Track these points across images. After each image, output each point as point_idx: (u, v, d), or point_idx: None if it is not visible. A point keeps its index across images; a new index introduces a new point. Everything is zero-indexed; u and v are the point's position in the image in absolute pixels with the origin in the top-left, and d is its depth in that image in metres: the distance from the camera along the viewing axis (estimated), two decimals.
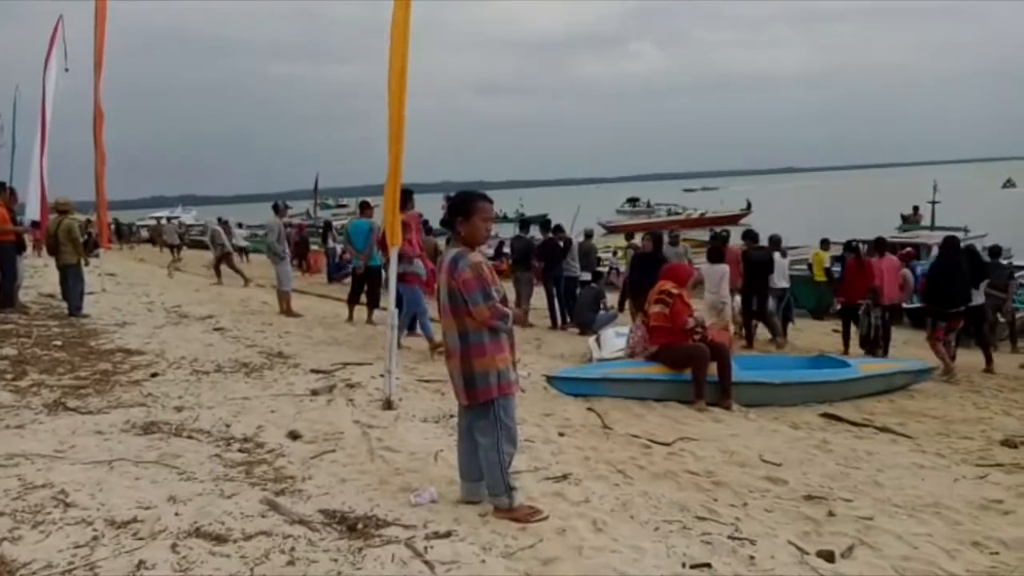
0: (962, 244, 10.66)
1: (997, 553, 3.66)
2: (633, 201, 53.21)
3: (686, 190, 59.18)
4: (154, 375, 6.31)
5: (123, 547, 3.05)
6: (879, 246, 10.88)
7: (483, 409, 3.67)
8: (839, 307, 11.17)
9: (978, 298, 9.51)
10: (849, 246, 11.67)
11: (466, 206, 3.69)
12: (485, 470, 3.69)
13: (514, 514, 3.60)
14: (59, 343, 7.63)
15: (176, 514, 3.40)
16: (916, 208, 21.92)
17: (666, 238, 11.81)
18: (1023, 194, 65.73)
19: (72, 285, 9.79)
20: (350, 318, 10.57)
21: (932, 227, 20.05)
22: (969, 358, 10.59)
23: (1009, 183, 72.26)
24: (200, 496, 3.64)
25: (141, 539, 3.13)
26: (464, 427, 3.83)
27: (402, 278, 8.59)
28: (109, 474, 3.90)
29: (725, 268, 9.98)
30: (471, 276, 3.58)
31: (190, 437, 4.63)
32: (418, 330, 8.40)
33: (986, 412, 7.25)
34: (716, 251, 10.39)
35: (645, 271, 8.46)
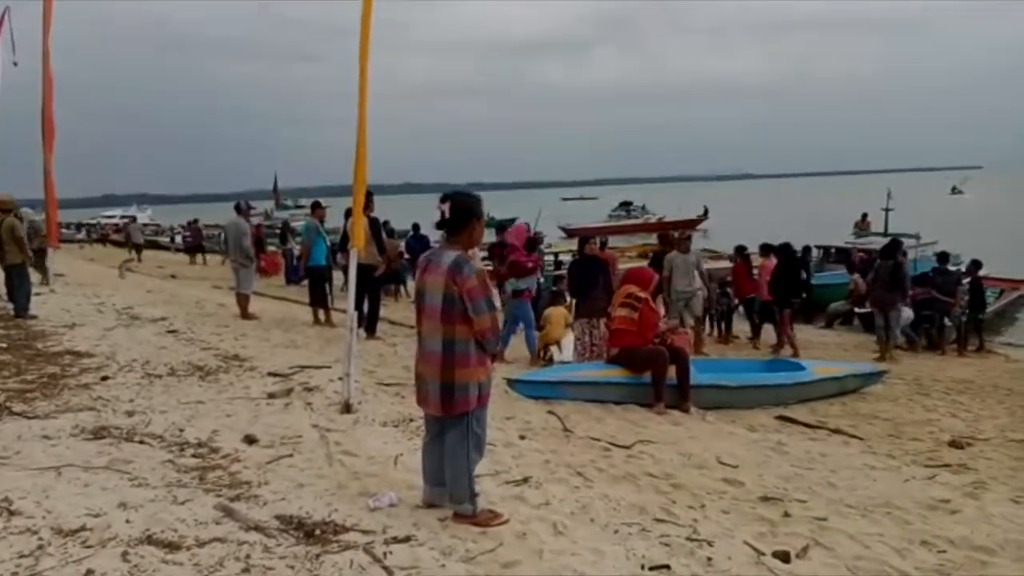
0: (906, 250, 12.49)
1: (945, 551, 3.76)
2: (626, 205, 52.97)
3: (564, 199, 58.56)
4: (104, 378, 6.15)
5: (71, 556, 2.96)
6: (763, 250, 11.78)
7: (457, 419, 3.56)
8: (737, 303, 12.29)
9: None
10: (738, 250, 12.63)
11: (478, 208, 3.61)
12: (450, 478, 3.61)
13: (476, 519, 3.56)
14: (4, 345, 7.40)
15: (127, 521, 3.31)
16: (865, 215, 22.46)
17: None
18: (969, 200, 68.58)
19: (18, 285, 9.51)
20: (317, 320, 10.47)
21: (885, 233, 20.55)
22: (919, 364, 10.91)
23: (956, 190, 76.63)
24: (152, 502, 3.55)
25: (90, 547, 3.04)
26: (431, 434, 3.74)
27: (519, 294, 8.79)
28: (56, 481, 3.78)
29: (694, 257, 10.37)
30: (477, 284, 3.48)
31: (142, 442, 4.51)
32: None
33: (934, 414, 7.45)
34: (688, 239, 10.98)
35: (583, 276, 8.52)
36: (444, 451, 3.63)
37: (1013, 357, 11.84)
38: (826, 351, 11.35)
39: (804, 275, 11.17)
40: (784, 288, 10.66)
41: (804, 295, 11.04)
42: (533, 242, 10.98)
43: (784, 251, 11.10)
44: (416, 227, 17.85)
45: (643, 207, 51.25)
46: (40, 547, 3.02)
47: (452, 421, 3.58)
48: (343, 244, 9.93)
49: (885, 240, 17.12)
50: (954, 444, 6.21)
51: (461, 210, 3.58)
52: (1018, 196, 65.56)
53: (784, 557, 3.47)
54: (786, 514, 4.12)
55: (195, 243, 28.44)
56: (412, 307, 3.89)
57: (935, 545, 3.82)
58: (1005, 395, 8.57)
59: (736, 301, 12.32)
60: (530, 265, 9.24)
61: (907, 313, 11.11)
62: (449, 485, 3.62)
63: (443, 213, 3.57)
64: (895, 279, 10.55)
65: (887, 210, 22.13)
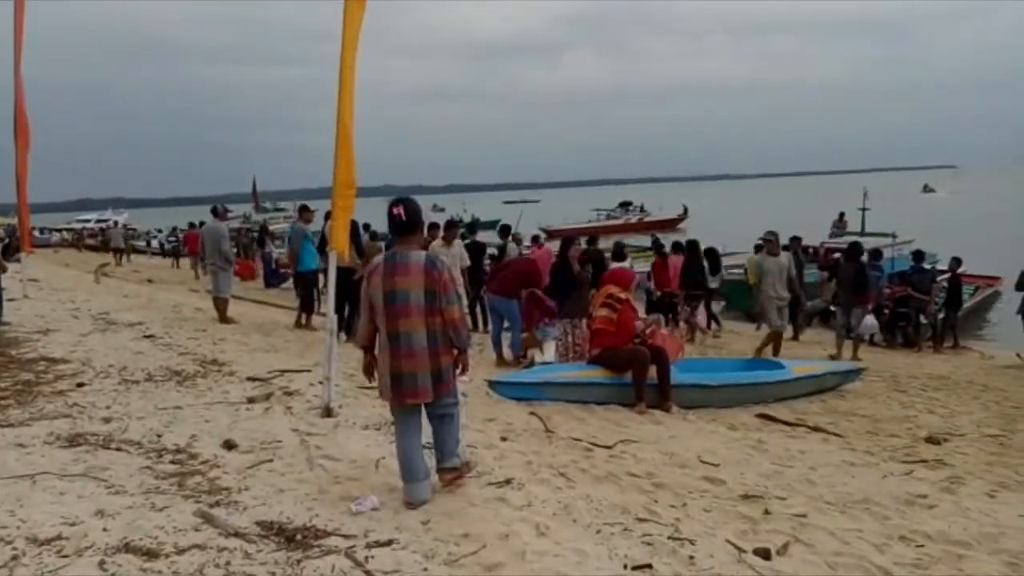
0: (881, 249, 13.45)
1: (922, 546, 3.80)
2: (625, 205, 53.23)
3: (506, 202, 58.60)
4: (80, 385, 6.06)
5: (46, 566, 2.91)
6: (674, 247, 12.73)
7: (446, 393, 3.89)
8: (658, 295, 12.74)
9: (713, 283, 13.02)
10: (656, 248, 13.49)
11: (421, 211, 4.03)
12: (446, 438, 3.93)
13: (460, 473, 3.98)
14: None
15: (104, 529, 3.26)
16: (842, 214, 22.69)
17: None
18: (941, 198, 70.13)
19: None
20: (299, 324, 10.42)
21: (862, 233, 20.77)
22: (896, 361, 11.05)
23: (928, 188, 79.08)
24: (130, 510, 3.50)
25: (66, 556, 2.99)
26: (407, 427, 3.89)
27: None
28: (31, 489, 3.73)
29: (787, 260, 10.24)
30: (448, 278, 3.83)
31: (119, 449, 4.46)
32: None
33: (911, 411, 7.54)
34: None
35: (559, 277, 8.56)
36: (433, 424, 3.92)
37: (988, 353, 12.02)
38: (804, 348, 11.44)
39: (707, 270, 12.54)
40: (689, 281, 11.77)
41: (710, 288, 12.62)
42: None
43: (690, 248, 12.21)
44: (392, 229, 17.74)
45: (641, 207, 51.61)
46: (14, 557, 2.97)
47: (433, 403, 3.88)
48: (322, 247, 9.90)
49: (863, 239, 17.42)
50: (931, 440, 6.28)
51: (414, 213, 3.91)
52: (990, 195, 66.85)
53: (765, 554, 3.49)
54: (767, 512, 4.15)
55: (177, 247, 28.38)
56: (377, 309, 3.87)
57: (913, 540, 3.86)
58: (980, 391, 8.70)
59: (658, 294, 12.73)
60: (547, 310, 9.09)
61: (870, 321, 11.30)
62: (446, 442, 3.94)
63: (400, 216, 3.87)
64: (857, 282, 10.75)
65: (864, 209, 22.36)
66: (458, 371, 4.00)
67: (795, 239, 14.08)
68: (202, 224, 27.06)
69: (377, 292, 3.82)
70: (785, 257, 10.10)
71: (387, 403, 3.98)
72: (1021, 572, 3.55)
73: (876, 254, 13.15)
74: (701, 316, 12.32)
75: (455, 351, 3.91)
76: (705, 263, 13.21)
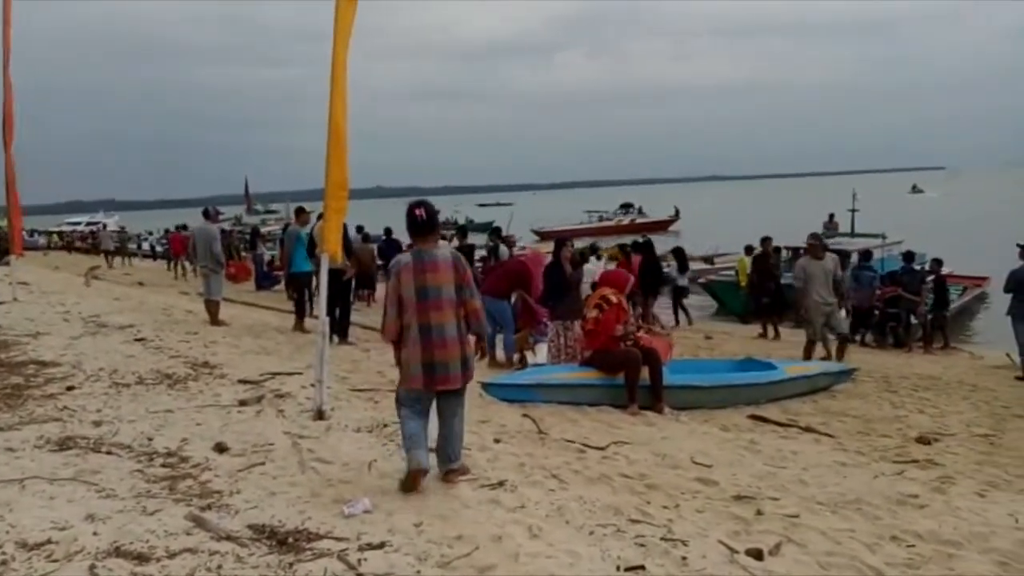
0: (872, 250, 14.01)
1: (913, 545, 3.81)
2: (627, 207, 53.46)
3: (480, 205, 58.77)
4: (70, 388, 6.02)
5: (35, 570, 2.89)
6: (634, 247, 13.49)
7: (463, 387, 4.22)
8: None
9: (682, 281, 14.63)
10: (620, 248, 14.07)
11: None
12: (454, 440, 4.21)
13: (463, 471, 4.24)
14: None
15: (94, 533, 3.24)
16: (832, 215, 22.79)
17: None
18: (929, 198, 70.77)
19: None
20: (299, 326, 10.40)
21: (852, 234, 20.83)
22: (886, 360, 11.10)
23: (916, 189, 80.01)
24: (120, 514, 3.48)
25: (55, 561, 2.97)
26: (418, 411, 4.15)
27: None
28: (20, 493, 3.70)
29: (832, 264, 9.87)
30: (471, 274, 4.30)
31: (109, 452, 4.43)
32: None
33: (902, 411, 7.58)
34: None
35: (552, 278, 8.60)
36: (445, 419, 4.20)
37: (977, 354, 12.09)
38: (793, 348, 11.40)
39: (676, 268, 14.24)
40: (647, 279, 12.45)
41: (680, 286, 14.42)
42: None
43: (645, 248, 12.99)
44: (388, 231, 17.71)
45: (639, 209, 51.95)
46: (3, 562, 2.95)
47: (460, 391, 4.21)
48: (311, 248, 9.89)
49: (853, 240, 17.54)
50: (921, 440, 6.32)
51: (433, 215, 4.24)
52: (981, 195, 67.29)
53: (757, 555, 3.50)
54: (759, 512, 4.16)
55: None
56: (408, 304, 4.11)
57: (904, 540, 3.88)
58: (970, 391, 8.75)
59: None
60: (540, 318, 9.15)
61: (840, 316, 11.35)
62: (454, 443, 4.21)
63: (422, 217, 4.17)
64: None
65: (853, 211, 22.45)
66: (477, 355, 4.39)
67: (766, 239, 14.11)
68: (183, 227, 26.99)
69: (409, 288, 4.10)
70: (830, 260, 9.57)
71: (407, 386, 4.17)
72: (1011, 571, 3.58)
73: (866, 255, 13.29)
74: (666, 313, 13.69)
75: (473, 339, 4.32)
76: (675, 262, 14.87)
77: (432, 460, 4.18)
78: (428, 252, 4.14)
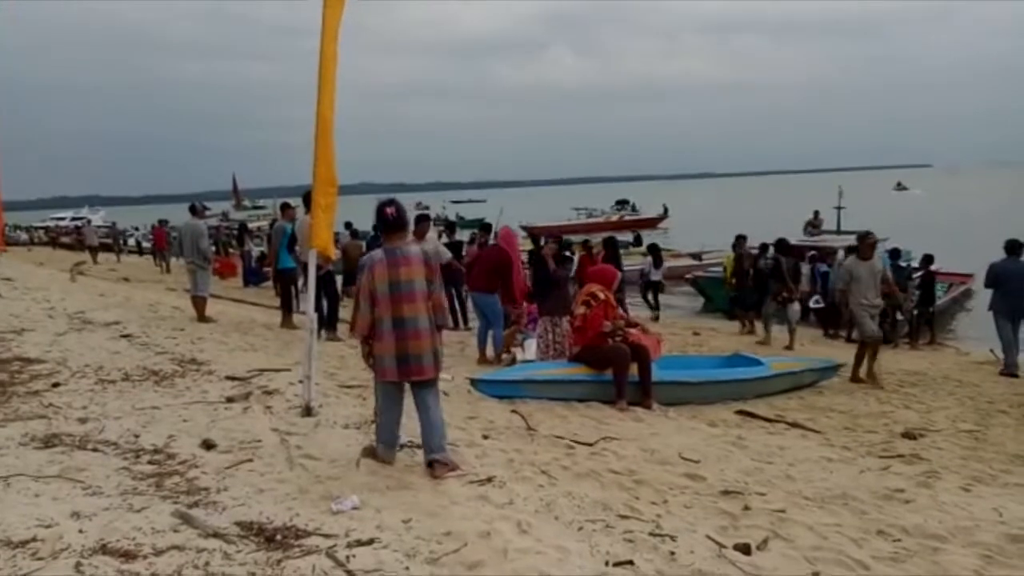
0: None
1: (899, 540, 3.85)
2: (623, 203, 53.58)
3: (453, 201, 59.33)
4: (55, 385, 5.97)
5: (20, 569, 2.87)
6: (604, 243, 13.34)
7: (435, 379, 4.38)
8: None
9: (656, 276, 15.16)
10: (584, 245, 14.36)
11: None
12: (437, 432, 4.32)
13: (449, 465, 4.27)
14: None
15: (80, 531, 3.22)
16: (816, 212, 22.93)
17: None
18: (913, 195, 71.52)
19: None
20: (286, 323, 10.34)
21: (838, 231, 20.96)
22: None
23: (900, 186, 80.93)
24: (106, 511, 3.45)
25: (41, 559, 2.95)
26: (394, 402, 4.36)
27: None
28: (5, 491, 3.67)
29: (881, 264, 9.88)
30: (439, 269, 4.49)
31: (95, 450, 4.40)
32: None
33: (888, 406, 7.64)
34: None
35: (536, 275, 8.65)
36: (423, 410, 4.32)
37: (963, 350, 12.20)
38: (779, 346, 11.55)
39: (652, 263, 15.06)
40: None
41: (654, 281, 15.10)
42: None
43: (607, 244, 13.07)
44: (376, 228, 17.65)
45: (633, 206, 52.29)
46: None
47: (432, 381, 4.36)
48: (290, 245, 9.84)
49: (838, 238, 17.73)
50: (907, 435, 6.37)
51: (403, 213, 4.43)
52: (967, 193, 67.84)
53: (745, 549, 3.52)
54: (746, 507, 4.18)
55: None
56: (380, 299, 4.28)
57: (890, 534, 3.91)
58: (956, 387, 8.82)
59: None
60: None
61: (795, 307, 12.16)
62: (434, 433, 4.31)
63: (392, 215, 4.36)
64: (779, 276, 11.80)
65: (839, 208, 22.58)
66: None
67: (740, 237, 14.17)
68: (163, 223, 26.73)
69: (382, 283, 4.26)
70: (879, 260, 9.09)
71: (382, 379, 4.35)
72: (995, 564, 3.61)
73: (850, 251, 13.47)
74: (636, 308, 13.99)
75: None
76: (650, 257, 15.66)
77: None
78: (400, 248, 4.33)
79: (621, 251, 17.60)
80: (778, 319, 12.19)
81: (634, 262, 16.99)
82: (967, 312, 16.59)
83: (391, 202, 4.44)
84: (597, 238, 16.58)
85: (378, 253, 4.35)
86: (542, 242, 11.62)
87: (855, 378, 8.73)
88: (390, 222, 4.35)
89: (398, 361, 4.25)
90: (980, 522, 4.13)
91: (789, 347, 11.29)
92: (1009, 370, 9.61)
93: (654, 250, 16.04)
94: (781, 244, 12.61)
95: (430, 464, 4.28)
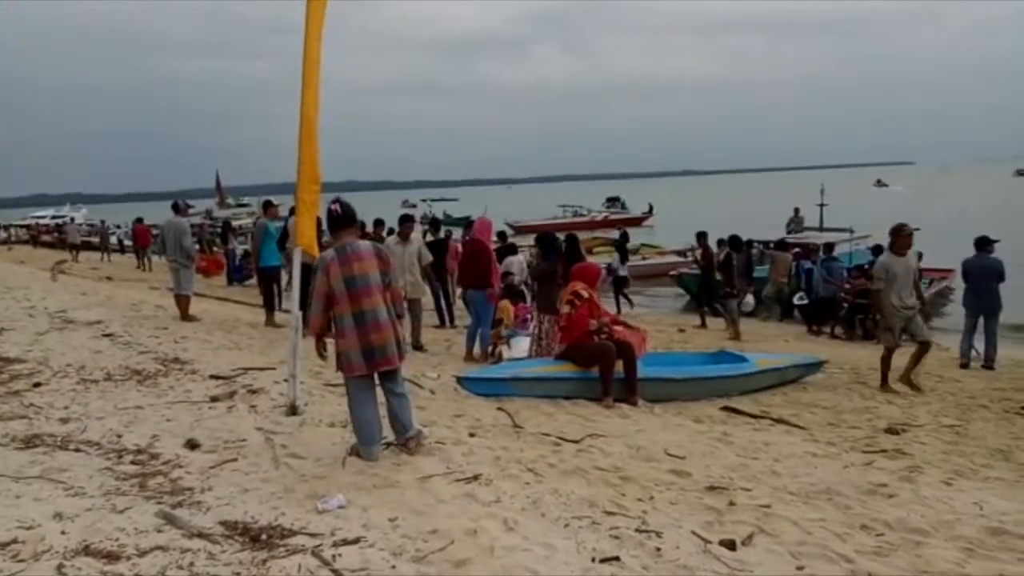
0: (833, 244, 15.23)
1: (883, 534, 3.88)
2: (613, 200, 53.69)
3: (423, 200, 59.80)
4: (37, 385, 5.92)
5: (1, 571, 2.83)
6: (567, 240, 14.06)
7: (400, 367, 4.52)
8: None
9: (623, 271, 15.60)
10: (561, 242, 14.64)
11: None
12: (402, 411, 4.47)
13: (419, 441, 4.49)
14: None
15: (62, 532, 3.19)
16: (797, 210, 23.07)
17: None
18: (895, 192, 72.32)
19: None
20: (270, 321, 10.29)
21: (821, 228, 21.11)
22: (855, 351, 11.26)
23: (880, 183, 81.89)
24: (89, 512, 3.43)
25: (22, 561, 2.92)
26: (366, 398, 4.43)
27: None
28: None
29: (915, 261, 9.78)
30: (393, 263, 4.65)
31: (77, 450, 4.36)
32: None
33: (871, 402, 7.70)
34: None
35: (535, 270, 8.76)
36: (390, 397, 4.48)
37: (943, 345, 12.30)
38: (765, 342, 11.65)
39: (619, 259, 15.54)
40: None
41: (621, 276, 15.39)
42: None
43: (568, 240, 12.87)
44: (363, 225, 17.61)
45: (622, 204, 52.51)
46: None
47: (397, 369, 4.50)
48: (282, 242, 9.79)
49: (821, 235, 17.94)
50: (890, 430, 6.42)
51: (350, 209, 4.53)
52: (950, 190, 68.58)
53: (730, 545, 3.54)
54: (732, 503, 4.20)
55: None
56: (339, 297, 4.39)
57: (873, 528, 3.94)
58: (937, 382, 8.90)
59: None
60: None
61: (749, 299, 13.36)
62: (402, 413, 4.46)
63: (337, 212, 4.48)
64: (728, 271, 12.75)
65: (821, 205, 22.73)
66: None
67: (701, 234, 14.03)
68: (139, 220, 26.45)
69: (336, 280, 4.33)
70: (913, 257, 8.21)
71: (351, 374, 4.43)
72: (976, 557, 3.65)
73: (829, 247, 13.87)
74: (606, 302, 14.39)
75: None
76: (617, 253, 16.19)
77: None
78: (351, 244, 4.43)
79: (600, 249, 18.02)
80: (725, 310, 12.87)
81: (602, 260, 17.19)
82: (947, 307, 16.75)
83: (336, 200, 4.54)
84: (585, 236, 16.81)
85: (329, 253, 4.43)
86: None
87: (885, 387, 8.13)
88: (337, 219, 4.46)
89: (364, 355, 4.36)
90: (961, 516, 4.16)
91: (735, 338, 11.91)
92: (987, 364, 9.84)
93: (620, 246, 17.03)
94: (734, 241, 13.19)
95: (404, 444, 4.46)
